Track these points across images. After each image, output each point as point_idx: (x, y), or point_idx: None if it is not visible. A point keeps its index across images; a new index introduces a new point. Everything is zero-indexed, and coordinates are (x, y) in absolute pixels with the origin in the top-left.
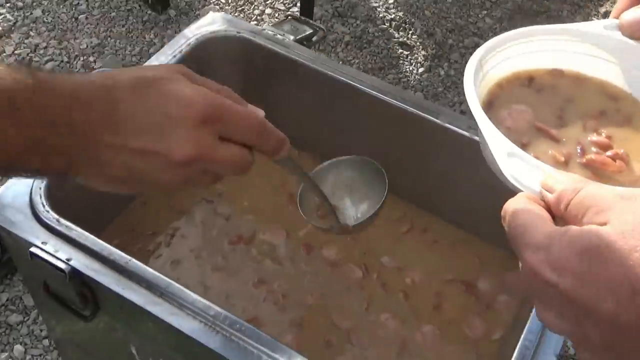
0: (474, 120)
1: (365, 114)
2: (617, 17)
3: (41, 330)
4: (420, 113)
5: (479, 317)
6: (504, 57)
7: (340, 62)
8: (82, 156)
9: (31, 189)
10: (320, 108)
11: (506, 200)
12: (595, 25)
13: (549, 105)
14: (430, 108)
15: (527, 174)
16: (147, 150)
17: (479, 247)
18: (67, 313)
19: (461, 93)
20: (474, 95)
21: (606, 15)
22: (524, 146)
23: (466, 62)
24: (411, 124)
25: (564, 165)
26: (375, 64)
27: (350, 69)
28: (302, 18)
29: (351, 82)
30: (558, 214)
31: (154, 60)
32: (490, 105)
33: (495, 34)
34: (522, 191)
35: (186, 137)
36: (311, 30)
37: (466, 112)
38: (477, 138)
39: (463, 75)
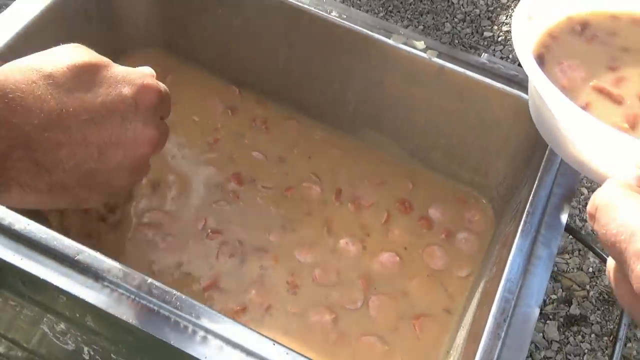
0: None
1: (306, 37)
2: None
3: None
4: (369, 33)
5: (438, 247)
6: (555, 1)
7: None
8: (24, 162)
9: None
10: (250, 33)
11: (464, 124)
12: None
13: (602, 56)
14: (381, 27)
15: (614, 153)
16: (111, 141)
17: (429, 179)
18: None
19: (405, 18)
20: (530, 58)
21: None
22: (583, 108)
23: None
24: (358, 45)
25: (632, 128)
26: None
27: None
28: None
29: (287, 0)
30: None
31: None
32: (541, 60)
33: None
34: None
35: (148, 121)
36: None
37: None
38: (436, 60)
39: None
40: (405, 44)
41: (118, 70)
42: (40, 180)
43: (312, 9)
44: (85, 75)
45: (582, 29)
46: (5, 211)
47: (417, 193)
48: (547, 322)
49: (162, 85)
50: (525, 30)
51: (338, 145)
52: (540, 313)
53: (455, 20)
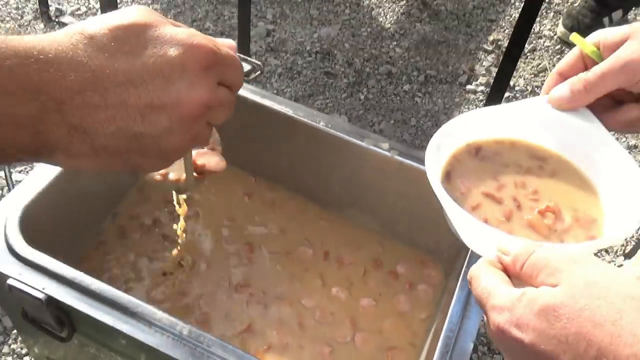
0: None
1: (301, 142)
2: (546, 93)
3: (22, 349)
4: (349, 137)
5: (404, 295)
6: (458, 133)
7: (275, 92)
8: (60, 127)
9: (5, 224)
10: (262, 136)
11: (420, 204)
12: (532, 101)
13: (489, 171)
14: (357, 132)
15: (486, 238)
16: (154, 104)
17: (397, 245)
18: (44, 335)
19: (379, 114)
20: (436, 179)
21: (494, 42)
22: (474, 209)
23: (382, 87)
24: (340, 146)
25: (508, 221)
26: (305, 91)
27: (289, 101)
28: (241, 55)
29: (290, 114)
30: (514, 274)
31: None
32: (448, 176)
33: (405, 62)
34: (481, 255)
35: (195, 82)
36: (250, 67)
37: (384, 131)
38: (397, 158)
39: (380, 98)
40: (374, 145)
41: (166, 30)
42: (83, 145)
43: (306, 120)
44: (128, 37)
45: (476, 152)
46: (82, 277)
47: (386, 255)
48: (494, 356)
49: (224, 49)
50: (435, 157)
51: (326, 219)
52: (489, 349)
53: (419, 115)
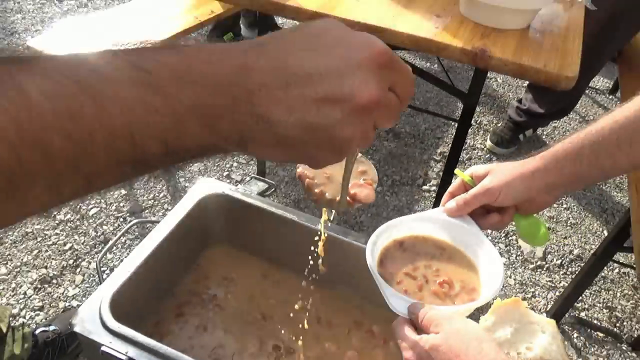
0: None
1: (302, 238)
2: (443, 206)
3: None
4: (338, 235)
5: (380, 349)
6: (388, 233)
7: (283, 195)
8: (250, 116)
9: (100, 306)
10: (275, 235)
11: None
12: (434, 211)
13: (408, 257)
14: (342, 230)
15: (403, 304)
16: (328, 97)
17: (373, 309)
18: None
19: (360, 209)
20: (374, 266)
21: (441, 153)
22: (398, 284)
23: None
24: (330, 241)
25: (420, 291)
26: (307, 197)
27: (293, 210)
28: (258, 177)
29: (294, 219)
30: (418, 326)
31: (175, 210)
32: (382, 262)
33: (377, 170)
34: (400, 315)
35: (368, 79)
36: (267, 186)
37: (363, 222)
38: None
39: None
40: (354, 240)
41: (346, 33)
42: (267, 134)
43: (305, 223)
44: (310, 38)
45: (400, 245)
46: (154, 343)
47: (365, 318)
48: None
49: (399, 60)
50: (372, 251)
51: (319, 292)
52: None
53: (389, 209)
